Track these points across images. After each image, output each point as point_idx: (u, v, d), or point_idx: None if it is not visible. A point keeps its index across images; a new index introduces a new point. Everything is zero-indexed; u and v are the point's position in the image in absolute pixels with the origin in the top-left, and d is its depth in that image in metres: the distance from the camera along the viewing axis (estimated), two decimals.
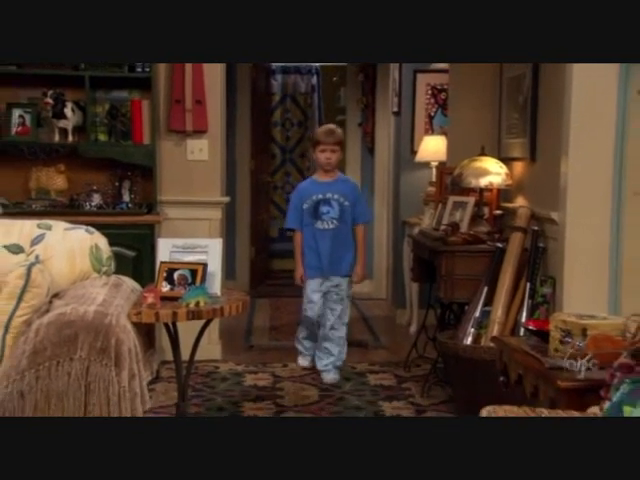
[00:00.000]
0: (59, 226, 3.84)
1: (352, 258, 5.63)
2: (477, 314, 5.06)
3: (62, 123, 5.69)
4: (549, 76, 5.06)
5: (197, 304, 3.43)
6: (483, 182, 5.40)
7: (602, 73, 4.59)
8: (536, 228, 5.00)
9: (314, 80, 11.00)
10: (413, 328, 7.17)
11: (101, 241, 3.79)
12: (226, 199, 6.28)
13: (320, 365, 5.70)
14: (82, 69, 5.70)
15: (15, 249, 3.67)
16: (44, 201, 5.70)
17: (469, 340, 5.03)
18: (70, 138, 5.72)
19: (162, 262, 3.60)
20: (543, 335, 2.78)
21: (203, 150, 6.06)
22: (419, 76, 7.58)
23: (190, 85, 5.88)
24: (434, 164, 7.25)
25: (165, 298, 3.55)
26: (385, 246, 8.64)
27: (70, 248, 3.70)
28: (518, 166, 5.52)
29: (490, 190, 5.51)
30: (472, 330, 5.04)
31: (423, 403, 5.26)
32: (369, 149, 9.26)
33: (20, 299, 3.24)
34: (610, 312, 4.70)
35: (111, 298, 3.36)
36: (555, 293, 4.82)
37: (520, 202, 5.47)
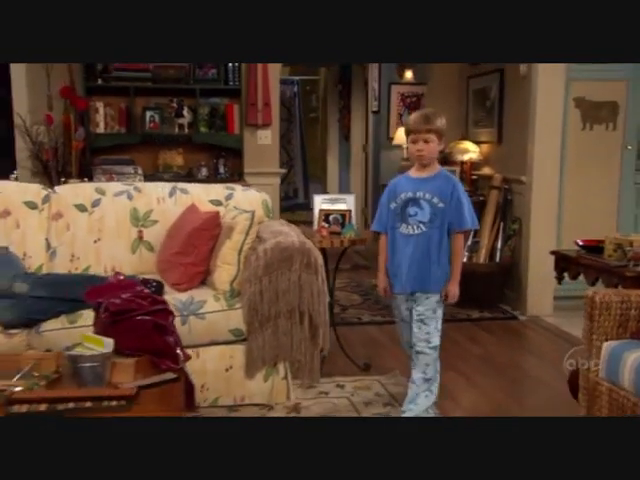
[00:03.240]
0: (238, 188, 4.14)
1: (444, 272, 3.21)
2: (469, 243, 5.58)
3: (180, 120, 5.94)
4: (511, 88, 5.58)
5: (350, 236, 3.86)
6: (466, 157, 5.92)
7: (553, 85, 5.16)
8: (506, 187, 5.55)
9: (295, 89, 11.22)
10: None
11: (266, 197, 4.09)
12: (283, 170, 6.57)
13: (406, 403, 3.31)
14: (192, 84, 5.95)
15: (216, 203, 3.95)
16: (169, 173, 5.92)
17: (465, 259, 5.55)
18: (185, 130, 5.97)
19: (321, 209, 3.98)
20: (592, 249, 3.24)
21: (267, 137, 6.33)
22: (393, 87, 7.96)
23: (261, 93, 6.18)
24: (405, 146, 7.68)
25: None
26: (362, 201, 8.97)
27: (250, 201, 3.98)
28: (484, 147, 6.05)
29: (466, 163, 6.01)
30: (466, 253, 5.56)
31: None
32: (345, 137, 9.62)
33: (247, 233, 3.55)
34: (556, 239, 5.33)
35: (297, 232, 3.72)
36: (521, 228, 5.40)
37: (486, 171, 6.00)
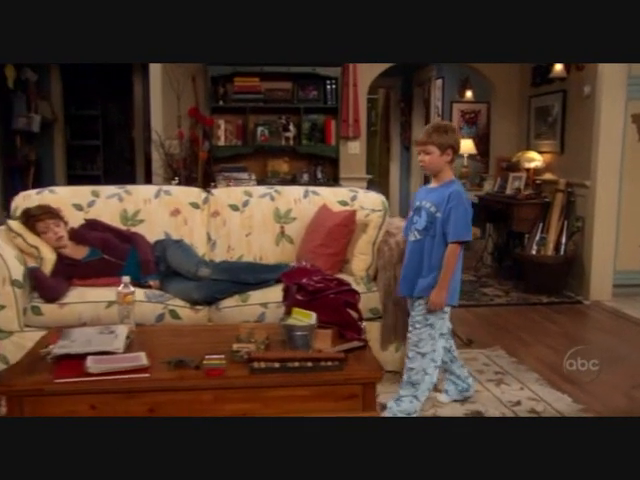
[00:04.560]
0: (360, 190, 4.20)
1: (432, 281, 2.90)
2: (537, 238, 5.68)
3: (287, 134, 6.10)
4: (574, 106, 5.66)
5: None
6: (532, 165, 6.00)
7: (614, 104, 5.23)
8: (570, 190, 5.63)
9: None
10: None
11: (384, 198, 4.14)
12: (369, 176, 6.71)
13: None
14: (296, 103, 6.12)
15: (343, 203, 4.03)
16: (276, 179, 6.09)
17: (534, 252, 5.66)
18: (291, 142, 6.13)
19: None
20: None
21: (357, 148, 6.49)
22: (454, 105, 8.09)
23: (352, 111, 6.34)
24: (465, 155, 7.79)
25: None
26: None
27: (372, 201, 3.99)
28: (546, 156, 6.10)
29: (531, 170, 6.09)
30: (535, 247, 5.66)
31: (504, 288, 5.82)
32: (406, 147, 9.71)
33: (380, 228, 3.68)
34: (616, 236, 5.41)
35: None
36: (584, 225, 5.48)
37: (548, 176, 6.07)
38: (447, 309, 2.97)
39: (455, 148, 2.91)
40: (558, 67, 5.70)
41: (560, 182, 5.67)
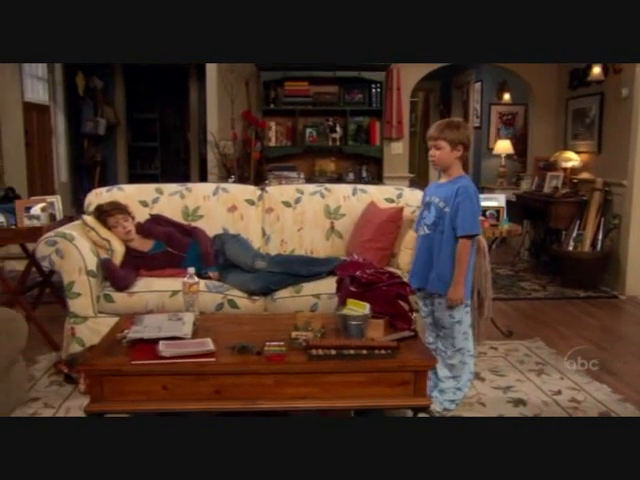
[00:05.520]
0: (406, 189, 4.20)
1: (441, 276, 2.77)
2: (574, 234, 5.56)
3: (334, 135, 6.12)
4: (611, 107, 5.51)
5: (507, 227, 3.92)
6: (569, 164, 5.88)
7: None
8: (607, 189, 5.49)
9: None
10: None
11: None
12: (411, 175, 6.67)
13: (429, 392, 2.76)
14: (342, 106, 6.12)
15: (390, 200, 4.01)
16: (323, 177, 6.10)
17: (571, 248, 5.54)
18: (337, 143, 6.14)
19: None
20: None
21: (399, 148, 6.46)
22: (492, 107, 7.97)
23: (395, 113, 6.30)
24: (503, 155, 7.68)
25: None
26: None
27: (417, 199, 3.94)
28: (582, 156, 5.96)
29: (568, 169, 5.96)
30: (572, 243, 5.55)
31: (541, 282, 5.70)
32: None
33: None
34: None
35: None
36: (621, 223, 5.34)
37: (584, 175, 5.93)
38: (468, 301, 2.87)
39: (465, 144, 2.78)
40: (596, 70, 5.56)
41: (597, 181, 5.54)
